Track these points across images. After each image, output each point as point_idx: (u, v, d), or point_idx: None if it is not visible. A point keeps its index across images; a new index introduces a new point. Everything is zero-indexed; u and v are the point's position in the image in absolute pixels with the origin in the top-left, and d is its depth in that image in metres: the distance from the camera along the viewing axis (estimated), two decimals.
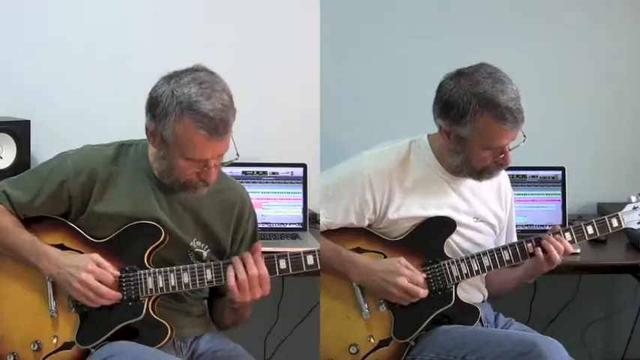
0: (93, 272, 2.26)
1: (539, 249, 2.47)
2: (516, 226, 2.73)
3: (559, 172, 3.26)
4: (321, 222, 2.53)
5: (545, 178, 3.26)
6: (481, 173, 2.48)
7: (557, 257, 2.46)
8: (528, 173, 3.23)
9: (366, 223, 2.52)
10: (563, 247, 2.46)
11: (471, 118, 2.36)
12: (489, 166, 2.46)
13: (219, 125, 2.18)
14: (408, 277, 2.43)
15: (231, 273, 2.28)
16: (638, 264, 2.89)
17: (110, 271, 2.28)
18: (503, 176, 2.63)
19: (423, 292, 2.44)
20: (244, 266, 2.28)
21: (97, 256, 2.29)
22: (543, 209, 3.25)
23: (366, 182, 2.48)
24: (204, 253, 2.37)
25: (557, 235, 2.48)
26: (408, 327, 2.47)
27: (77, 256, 2.30)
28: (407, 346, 2.47)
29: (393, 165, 2.51)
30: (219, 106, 2.18)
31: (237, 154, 2.32)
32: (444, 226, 2.51)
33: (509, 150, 2.43)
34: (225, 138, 2.22)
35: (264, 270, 2.29)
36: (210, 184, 2.29)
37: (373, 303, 2.48)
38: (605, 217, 2.56)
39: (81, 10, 3.36)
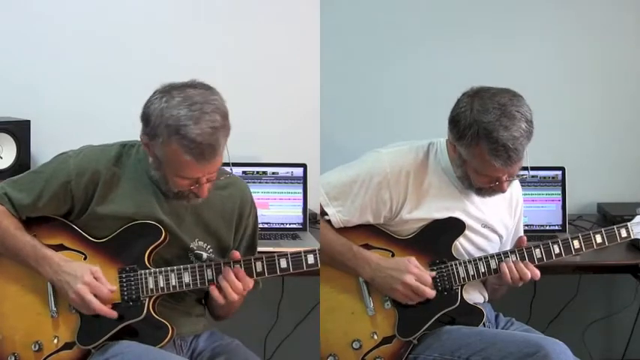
0: (89, 285, 2.25)
1: (505, 270, 2.47)
2: None
3: (559, 172, 3.26)
4: (335, 219, 2.51)
5: (545, 178, 3.25)
6: (478, 190, 2.48)
7: (516, 280, 2.46)
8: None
9: (382, 220, 2.52)
10: (521, 273, 2.45)
11: (467, 143, 2.36)
12: (486, 188, 2.46)
13: (206, 150, 2.16)
14: (416, 275, 2.43)
15: (213, 289, 2.29)
16: (638, 264, 2.89)
17: (106, 286, 2.27)
18: (516, 184, 2.62)
19: (430, 292, 2.44)
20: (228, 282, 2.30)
21: (97, 271, 2.28)
22: (543, 209, 3.25)
23: (384, 181, 2.48)
24: (204, 255, 2.36)
25: (524, 262, 2.47)
26: (412, 326, 2.47)
27: (76, 265, 2.29)
28: (410, 344, 2.47)
29: (411, 166, 2.50)
30: (207, 130, 2.15)
31: (231, 171, 2.32)
32: (452, 227, 2.51)
33: (508, 180, 2.42)
34: (215, 160, 2.20)
35: (247, 282, 2.30)
36: (201, 198, 2.29)
37: (378, 300, 2.49)
38: (614, 226, 2.56)
39: (81, 12, 3.36)
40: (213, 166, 2.22)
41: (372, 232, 2.52)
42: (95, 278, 2.26)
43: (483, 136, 2.32)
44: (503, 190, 2.45)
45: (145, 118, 2.22)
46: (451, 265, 2.49)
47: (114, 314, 2.28)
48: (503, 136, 2.31)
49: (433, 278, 2.47)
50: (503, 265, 2.46)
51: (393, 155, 2.52)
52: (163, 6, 3.43)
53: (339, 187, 2.53)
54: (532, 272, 2.46)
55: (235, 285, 2.29)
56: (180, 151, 2.17)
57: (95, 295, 2.25)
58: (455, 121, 2.39)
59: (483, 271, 2.49)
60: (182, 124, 2.15)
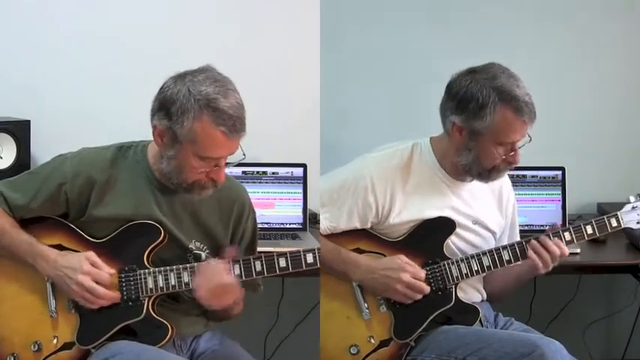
0: (89, 274, 2.26)
1: (533, 252, 2.46)
2: None
3: (559, 172, 3.25)
4: (323, 225, 2.52)
5: (545, 178, 3.25)
6: (490, 172, 2.47)
7: (549, 261, 2.45)
8: (528, 173, 3.22)
9: (369, 225, 2.52)
10: (559, 250, 2.45)
11: (490, 111, 2.37)
12: (498, 165, 2.45)
13: (237, 122, 2.19)
14: (411, 272, 2.44)
15: (195, 284, 2.29)
16: (638, 264, 2.89)
17: (105, 271, 2.28)
18: (506, 181, 2.63)
19: (427, 288, 2.44)
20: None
21: (92, 255, 2.29)
22: (543, 209, 3.25)
23: (368, 186, 2.48)
24: (203, 255, 2.37)
25: (556, 239, 2.47)
26: (408, 327, 2.47)
27: (73, 257, 2.29)
28: (407, 346, 2.47)
29: (396, 169, 2.51)
30: (235, 104, 2.20)
31: (244, 154, 2.32)
32: (443, 226, 2.51)
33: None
34: (240, 136, 2.23)
35: (228, 279, 2.28)
36: (220, 183, 2.29)
37: (373, 303, 2.49)
38: (604, 216, 2.56)
39: (81, 12, 3.36)
40: (237, 144, 2.24)
41: (363, 236, 2.53)
42: (92, 264, 2.27)
43: (504, 97, 2.36)
44: (516, 161, 2.45)
45: (166, 100, 2.21)
46: (444, 265, 2.49)
47: (117, 296, 2.28)
48: (520, 93, 2.37)
49: (427, 278, 2.47)
50: (535, 244, 2.46)
51: (378, 159, 2.53)
52: (163, 6, 3.43)
53: (327, 194, 2.54)
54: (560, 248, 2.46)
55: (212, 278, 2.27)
56: (212, 125, 2.18)
57: (97, 282, 2.26)
58: (466, 99, 2.39)
59: (476, 268, 2.49)
60: (213, 97, 2.18)
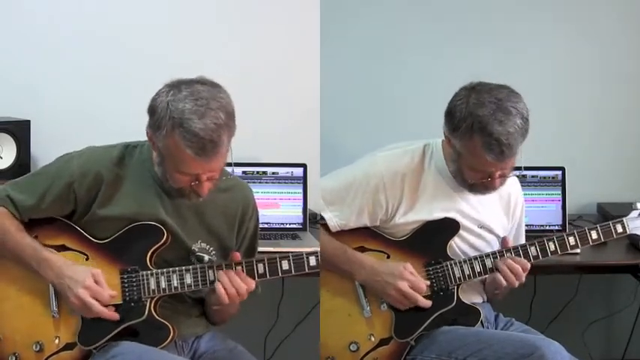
0: (89, 289, 2.25)
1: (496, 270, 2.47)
2: None
3: (559, 172, 3.25)
4: (332, 222, 2.52)
5: (545, 178, 3.25)
6: (471, 187, 2.48)
7: (513, 279, 2.45)
8: (528, 173, 3.22)
9: (378, 223, 2.53)
10: (518, 266, 2.45)
11: (461, 135, 2.36)
12: (478, 185, 2.45)
13: (207, 145, 2.16)
14: (411, 282, 2.43)
15: (221, 289, 2.29)
16: (638, 264, 2.88)
17: (107, 292, 2.27)
18: (514, 184, 2.62)
19: (423, 301, 2.44)
20: (230, 281, 2.30)
21: (98, 274, 2.28)
22: (543, 209, 3.25)
23: (380, 184, 2.48)
24: (206, 257, 2.36)
25: (510, 255, 2.47)
26: (409, 327, 2.47)
27: (78, 269, 2.29)
28: (407, 345, 2.48)
29: (407, 169, 2.51)
30: (211, 126, 2.15)
31: (233, 170, 2.33)
32: (447, 227, 2.51)
33: (503, 177, 2.42)
34: (216, 157, 2.20)
35: (250, 283, 2.31)
36: (201, 197, 2.29)
37: (375, 302, 2.49)
38: (610, 222, 2.56)
39: (81, 12, 3.36)
40: (214, 163, 2.22)
41: (367, 235, 2.53)
42: (96, 282, 2.27)
43: (477, 129, 2.32)
44: (494, 188, 2.45)
45: (151, 110, 2.22)
46: (446, 265, 2.49)
47: (115, 316, 2.28)
48: (497, 130, 2.30)
49: (428, 278, 2.47)
50: (498, 263, 2.46)
51: (389, 158, 2.53)
52: (163, 6, 3.43)
53: (336, 192, 2.54)
54: (521, 264, 2.45)
55: (236, 281, 2.29)
56: (181, 145, 2.16)
57: (96, 299, 2.25)
58: (450, 114, 2.39)
59: (479, 270, 2.49)
60: (186, 117, 2.15)
